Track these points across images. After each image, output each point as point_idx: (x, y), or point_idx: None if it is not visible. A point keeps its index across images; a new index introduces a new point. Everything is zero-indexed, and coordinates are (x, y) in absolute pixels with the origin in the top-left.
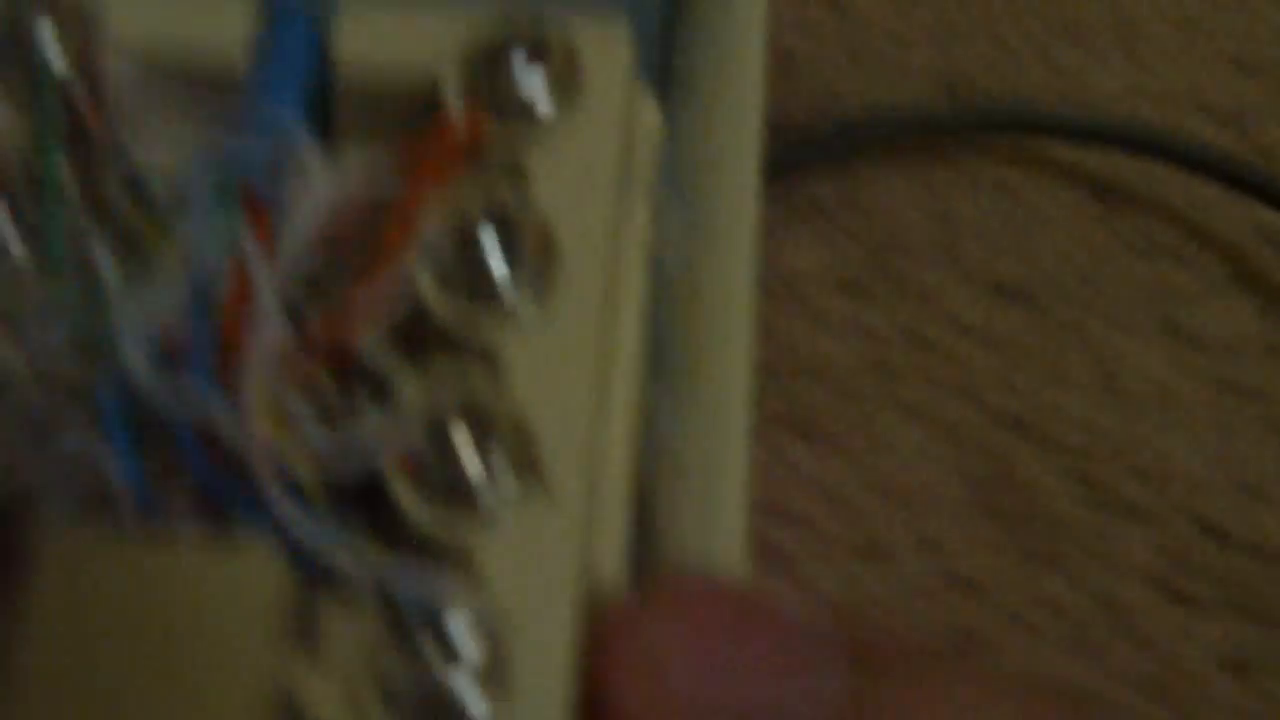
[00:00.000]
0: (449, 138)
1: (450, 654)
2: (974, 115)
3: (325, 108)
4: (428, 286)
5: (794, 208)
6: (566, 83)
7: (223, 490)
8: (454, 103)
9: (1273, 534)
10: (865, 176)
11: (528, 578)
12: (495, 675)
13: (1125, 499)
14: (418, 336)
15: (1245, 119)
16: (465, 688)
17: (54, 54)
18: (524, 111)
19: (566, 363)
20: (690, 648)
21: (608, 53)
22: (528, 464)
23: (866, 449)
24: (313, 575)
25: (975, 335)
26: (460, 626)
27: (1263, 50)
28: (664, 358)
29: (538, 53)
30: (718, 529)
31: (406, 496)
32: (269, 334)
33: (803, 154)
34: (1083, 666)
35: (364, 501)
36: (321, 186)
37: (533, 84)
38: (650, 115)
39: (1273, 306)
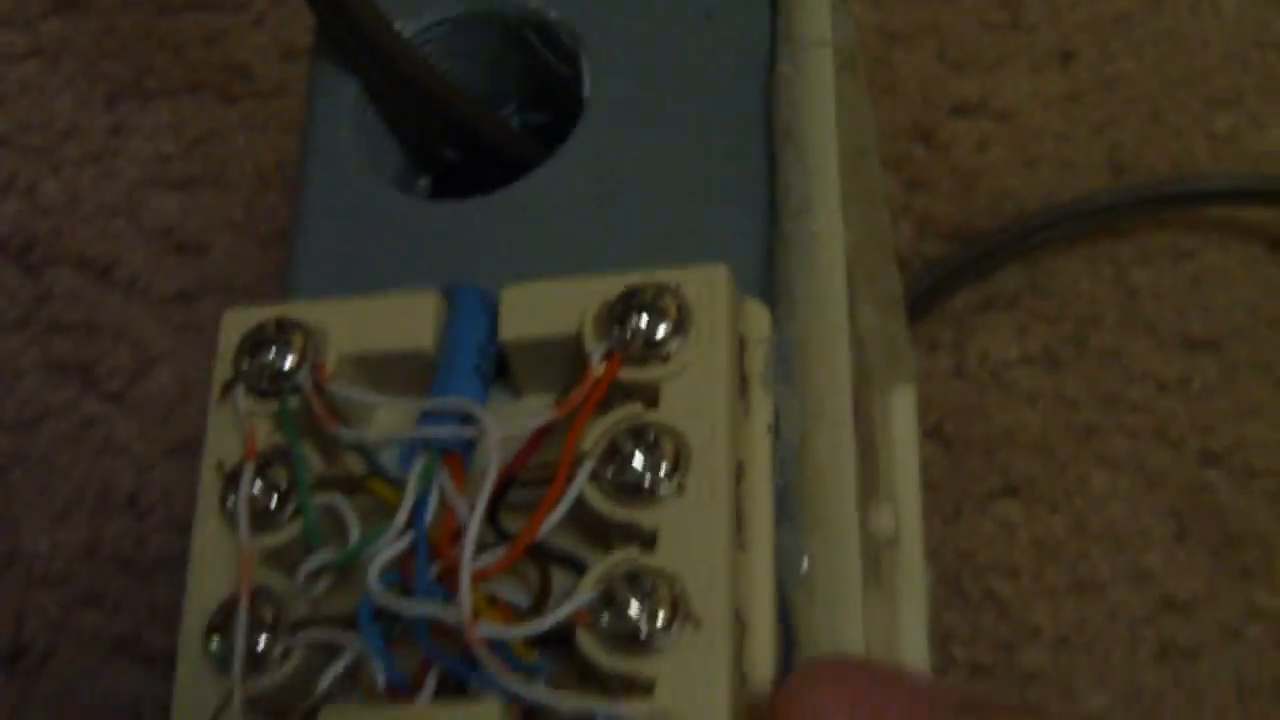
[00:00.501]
0: (592, 380)
1: None
2: (1143, 192)
3: (504, 363)
4: (593, 495)
5: (990, 303)
6: (679, 324)
7: (454, 665)
8: (595, 350)
9: None
10: (1050, 265)
11: (694, 695)
12: None
13: None
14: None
15: None
16: None
17: (294, 371)
18: (650, 349)
19: (704, 531)
20: (845, 707)
21: (711, 290)
22: (681, 610)
23: (1074, 502)
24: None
25: (1168, 388)
26: None
27: None
28: (790, 509)
29: (655, 303)
30: (843, 636)
31: (592, 648)
32: (469, 563)
33: (992, 255)
34: None
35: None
36: (494, 442)
37: (655, 327)
38: (761, 322)
39: None
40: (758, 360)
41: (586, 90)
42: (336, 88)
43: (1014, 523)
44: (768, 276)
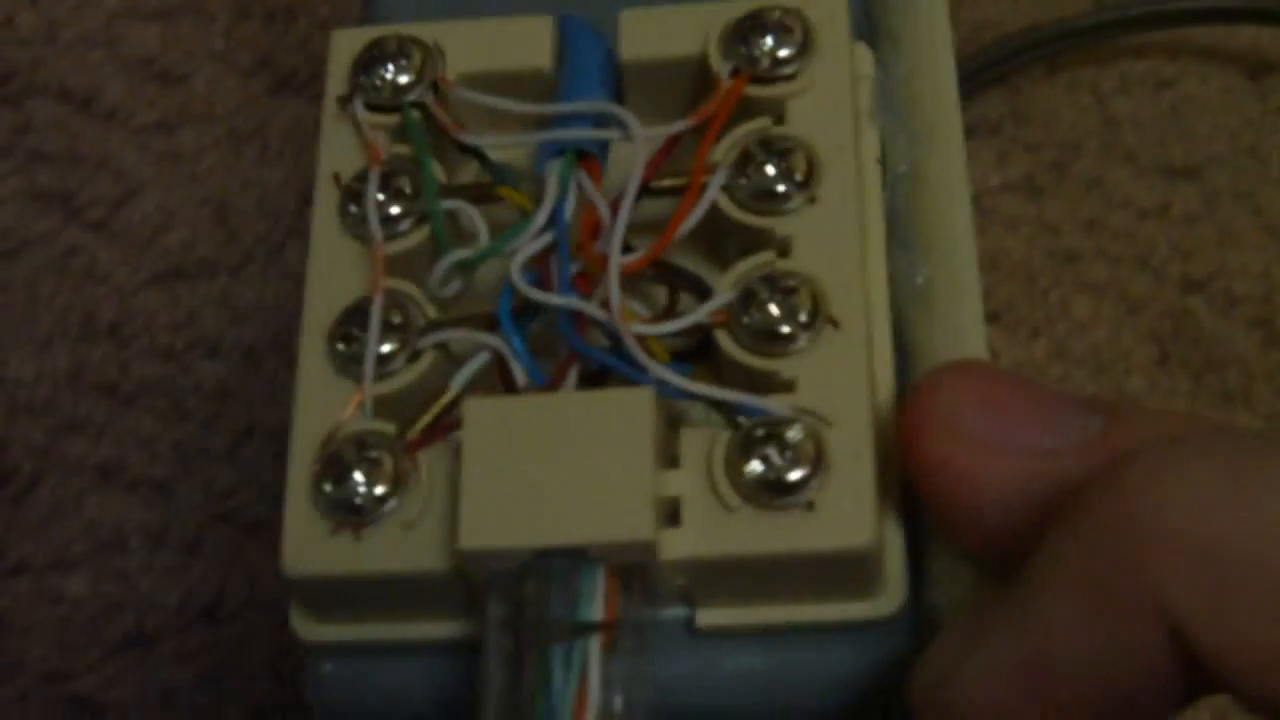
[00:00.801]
0: (723, 91)
1: (784, 447)
2: (1124, 13)
3: (619, 89)
4: (726, 204)
5: (969, 129)
6: (804, 44)
7: (598, 357)
8: (722, 69)
9: None
10: (1031, 94)
11: (833, 390)
12: (819, 463)
13: None
14: (723, 239)
15: None
16: (800, 474)
17: (414, 85)
18: (776, 67)
19: (838, 237)
20: (977, 402)
21: (831, 19)
22: (821, 310)
23: (1058, 328)
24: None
25: (1150, 216)
26: (793, 430)
27: None
28: (901, 231)
29: (781, 24)
30: (967, 348)
31: (732, 347)
32: (618, 255)
33: (971, 80)
34: None
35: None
36: (639, 138)
37: (780, 47)
38: (866, 62)
39: None
40: (864, 95)
41: None
42: None
43: (996, 348)
44: (865, 20)
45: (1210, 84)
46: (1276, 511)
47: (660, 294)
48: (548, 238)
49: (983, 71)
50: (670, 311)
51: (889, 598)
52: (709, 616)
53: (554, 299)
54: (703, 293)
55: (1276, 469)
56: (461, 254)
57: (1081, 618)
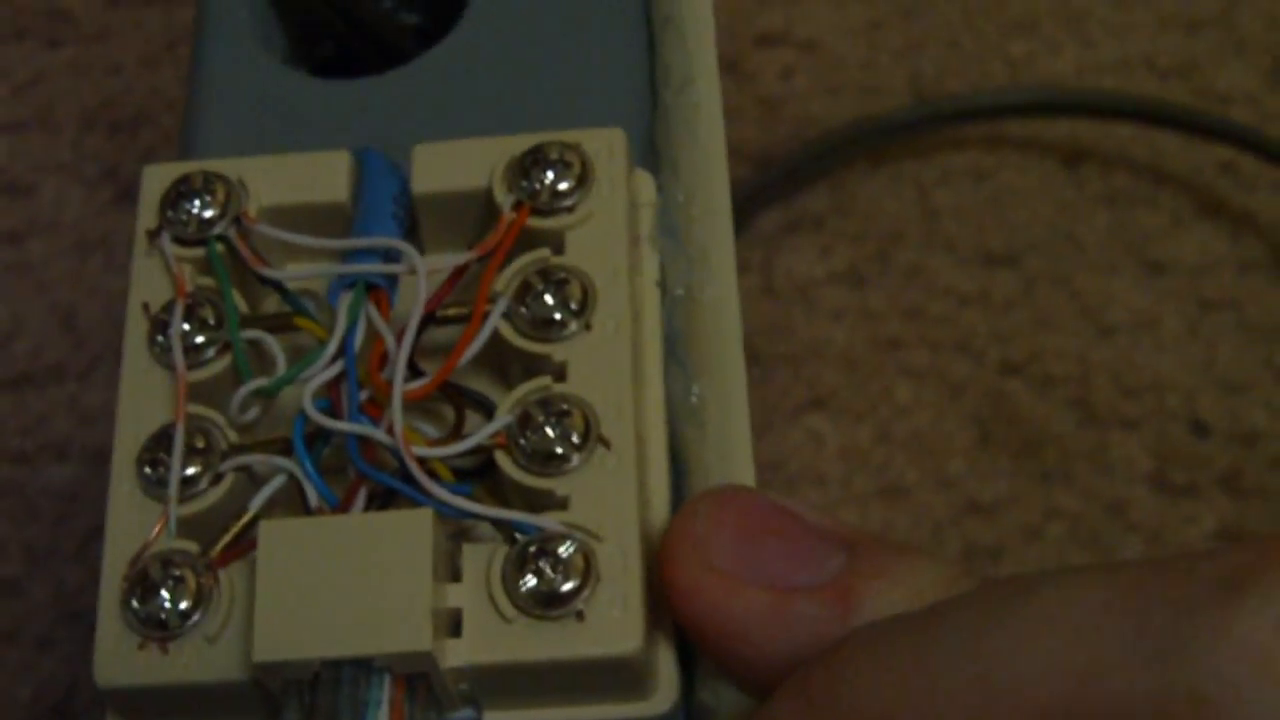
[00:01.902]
0: (505, 224)
1: (556, 562)
2: (940, 111)
3: (413, 219)
4: (508, 331)
5: (794, 222)
6: (582, 177)
7: (383, 479)
8: (505, 201)
9: (1255, 421)
10: (854, 188)
11: (605, 509)
12: (589, 575)
13: (1120, 415)
14: (507, 361)
15: (1193, 71)
16: (569, 585)
17: (218, 219)
18: (556, 200)
19: (611, 362)
20: (729, 532)
21: (609, 150)
22: (593, 432)
23: (882, 412)
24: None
25: (969, 302)
26: (565, 546)
27: (1200, 8)
28: (677, 351)
29: (561, 159)
30: (733, 465)
31: (510, 467)
32: (400, 384)
33: (795, 175)
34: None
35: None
36: (422, 272)
37: (560, 181)
38: (648, 189)
39: (1240, 228)
40: (645, 221)
41: None
42: None
43: (822, 433)
44: (649, 148)
45: (1028, 174)
46: (944, 705)
47: (450, 412)
48: (338, 367)
49: (807, 166)
50: (458, 430)
51: (661, 698)
52: (495, 718)
53: (342, 426)
54: (489, 410)
55: (944, 654)
56: (259, 383)
57: None
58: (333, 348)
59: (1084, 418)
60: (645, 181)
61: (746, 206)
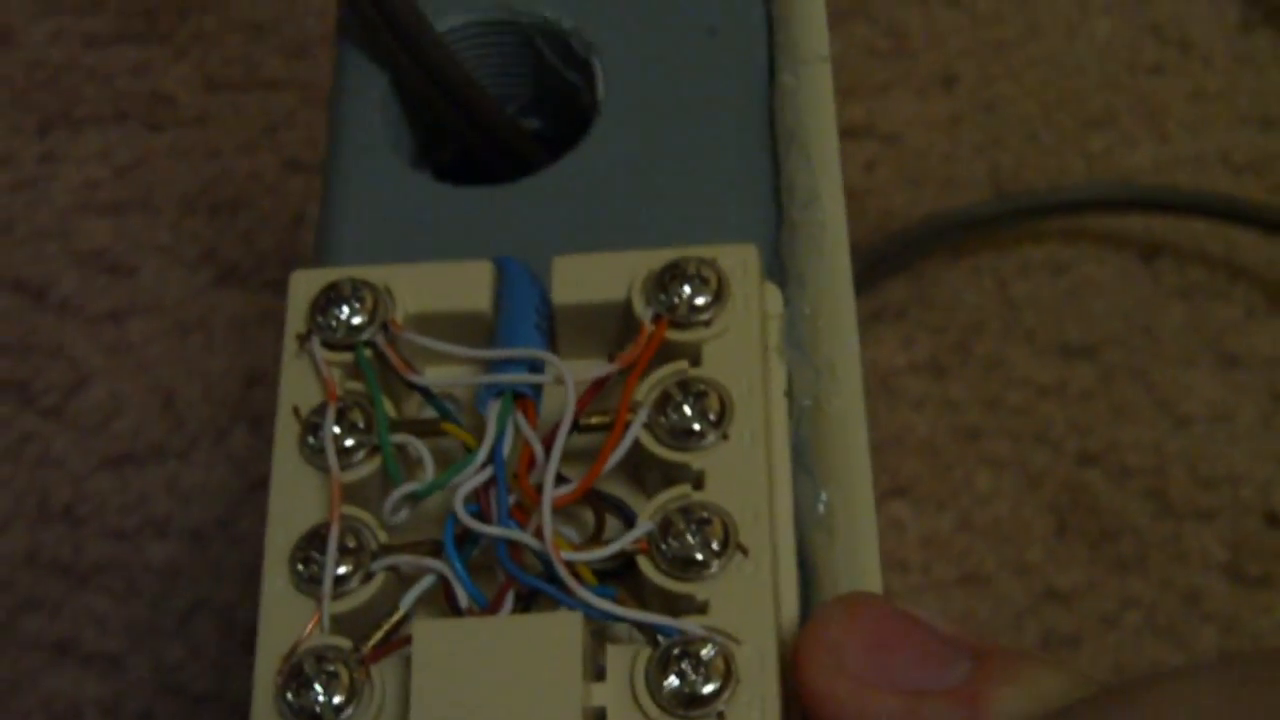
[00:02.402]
0: (645, 336)
1: (698, 664)
2: (1021, 205)
3: (552, 328)
4: (648, 440)
5: (876, 314)
6: (718, 292)
7: (533, 583)
8: (644, 314)
9: None
10: (933, 277)
11: (743, 613)
12: (729, 677)
13: (1195, 506)
14: (645, 468)
15: (1267, 167)
16: (710, 688)
17: (366, 326)
18: (693, 314)
19: (747, 472)
20: (861, 638)
21: (744, 266)
22: (731, 539)
23: (962, 500)
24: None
25: (1048, 393)
26: (706, 649)
27: (1275, 104)
28: (805, 460)
29: (698, 274)
30: (861, 572)
31: (652, 572)
32: (550, 490)
33: (877, 266)
34: (1172, 653)
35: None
36: (570, 384)
37: (697, 295)
38: (776, 302)
39: None
40: (773, 333)
41: (600, 93)
42: (367, 76)
43: (903, 521)
44: (775, 261)
45: (1105, 266)
46: None
47: (589, 516)
48: (488, 473)
49: (889, 259)
50: (598, 535)
51: None
52: None
53: (493, 530)
54: (627, 516)
55: None
56: (412, 487)
57: None
58: (483, 455)
59: (1160, 508)
60: (773, 294)
61: None
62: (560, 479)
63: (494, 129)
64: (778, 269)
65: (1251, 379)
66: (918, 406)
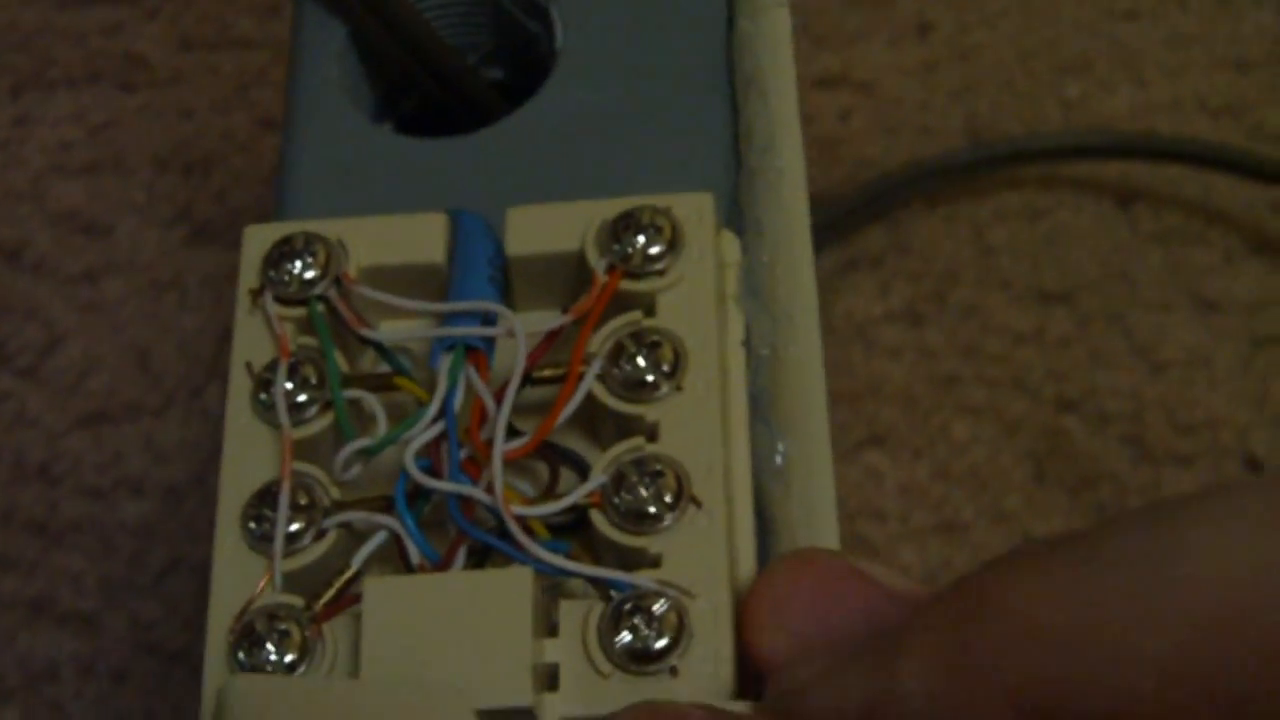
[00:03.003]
0: (599, 288)
1: (650, 619)
2: (997, 153)
3: (507, 279)
4: (601, 392)
5: (852, 261)
6: (673, 241)
7: (484, 538)
8: (598, 265)
9: None
10: (911, 226)
11: (696, 567)
12: (682, 631)
13: (1174, 451)
14: (599, 421)
15: (1245, 110)
16: (662, 642)
17: (319, 280)
18: (648, 264)
19: (701, 423)
20: (804, 598)
21: (699, 214)
22: (685, 492)
23: (939, 449)
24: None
25: (1025, 340)
26: (659, 604)
27: (1252, 47)
28: (762, 410)
29: (652, 223)
30: (818, 525)
31: (605, 526)
32: (501, 444)
33: (852, 215)
34: None
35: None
36: (521, 337)
37: (651, 244)
38: (733, 249)
39: None
40: (730, 282)
41: (559, 41)
42: (325, 29)
43: (880, 470)
44: (733, 208)
45: (1082, 213)
46: (1114, 610)
47: (544, 469)
48: (439, 427)
49: (865, 207)
50: (552, 488)
51: None
52: None
53: (444, 485)
54: (582, 469)
55: (1106, 568)
56: (363, 443)
57: (933, 683)
58: (434, 409)
59: (1138, 454)
60: (730, 242)
61: None
62: (515, 432)
63: (454, 79)
64: (737, 216)
65: (1229, 324)
66: (894, 355)
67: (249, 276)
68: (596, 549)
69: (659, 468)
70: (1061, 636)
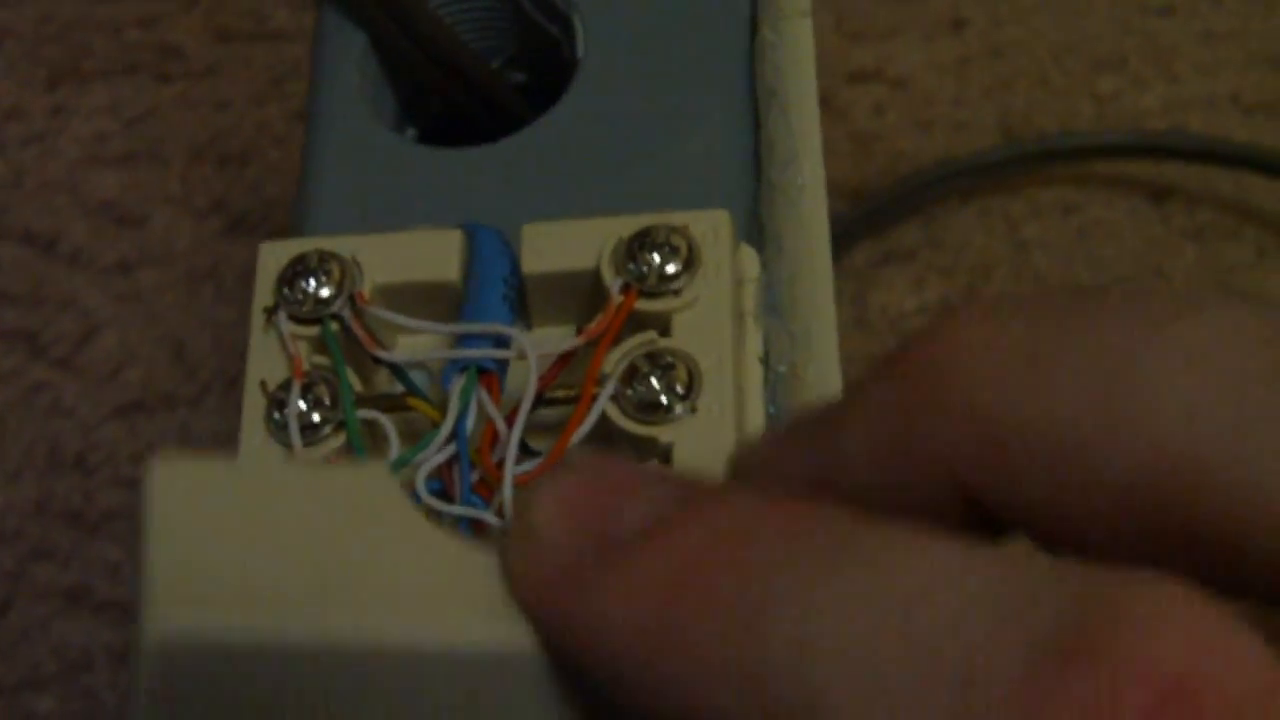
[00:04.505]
0: (613, 309)
1: None
2: (1031, 148)
3: (522, 296)
4: (615, 413)
5: (886, 257)
6: (689, 261)
7: None
8: (613, 284)
9: None
10: (945, 222)
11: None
12: None
13: None
14: (614, 441)
15: (1279, 108)
16: None
17: (333, 299)
18: (663, 283)
19: (715, 446)
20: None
21: (715, 233)
22: None
23: None
24: None
25: None
26: None
27: None
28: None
29: (668, 242)
30: None
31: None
32: (511, 467)
33: (887, 209)
34: None
35: None
36: (533, 360)
37: (667, 264)
38: (752, 265)
39: None
40: (749, 298)
41: (580, 50)
42: (345, 37)
43: None
44: (753, 223)
45: (1115, 209)
46: (1069, 393)
47: None
48: (450, 450)
49: (899, 202)
50: None
51: None
52: None
53: (455, 509)
54: None
55: (1075, 341)
56: None
57: (874, 450)
58: (445, 432)
59: None
60: (749, 257)
61: (840, 241)
62: (529, 453)
63: (478, 84)
64: (756, 231)
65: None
66: None
67: (263, 295)
68: None
69: None
70: (1015, 443)
